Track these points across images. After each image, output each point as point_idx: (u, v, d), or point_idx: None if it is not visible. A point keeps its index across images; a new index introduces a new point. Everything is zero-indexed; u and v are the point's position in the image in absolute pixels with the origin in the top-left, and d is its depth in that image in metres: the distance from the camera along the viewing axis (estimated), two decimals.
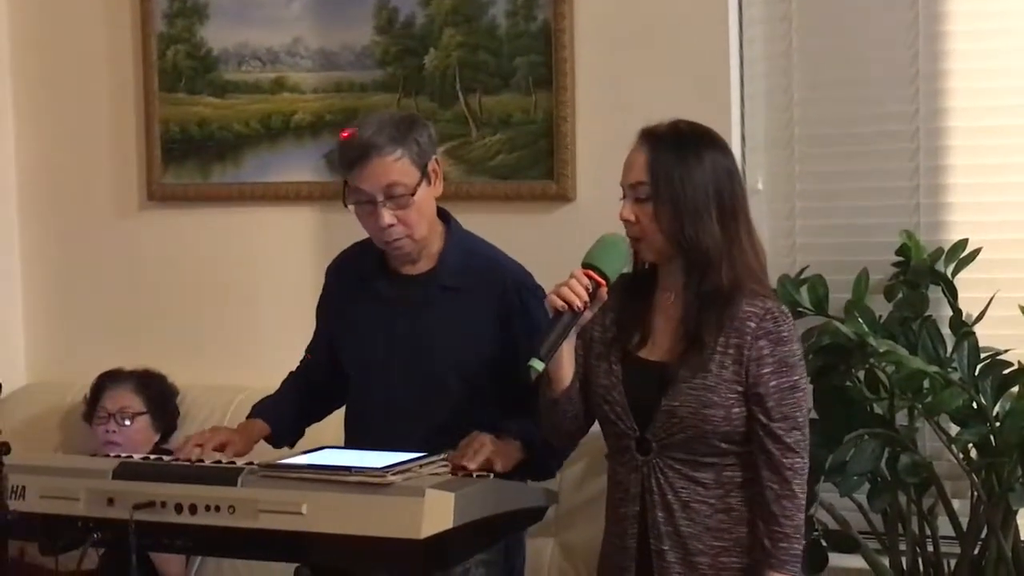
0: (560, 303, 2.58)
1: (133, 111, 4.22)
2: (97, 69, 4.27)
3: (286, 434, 3.06)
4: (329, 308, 3.08)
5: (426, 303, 2.91)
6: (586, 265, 2.61)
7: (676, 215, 2.57)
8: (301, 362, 3.17)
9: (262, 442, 3.06)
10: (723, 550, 2.58)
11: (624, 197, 2.63)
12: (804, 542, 2.60)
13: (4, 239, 4.34)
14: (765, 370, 2.55)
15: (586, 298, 2.58)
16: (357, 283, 2.99)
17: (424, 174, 2.86)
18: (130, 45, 4.22)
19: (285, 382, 3.15)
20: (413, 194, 2.83)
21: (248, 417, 3.07)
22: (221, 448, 2.89)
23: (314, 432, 3.14)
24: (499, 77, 3.84)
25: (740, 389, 2.56)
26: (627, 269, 2.68)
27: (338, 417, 3.11)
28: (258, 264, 4.14)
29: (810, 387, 2.63)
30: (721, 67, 3.66)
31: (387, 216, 2.84)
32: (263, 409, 3.07)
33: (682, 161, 2.57)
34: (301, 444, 3.08)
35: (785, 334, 2.57)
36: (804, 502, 2.58)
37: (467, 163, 3.88)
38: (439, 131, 3.84)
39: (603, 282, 2.60)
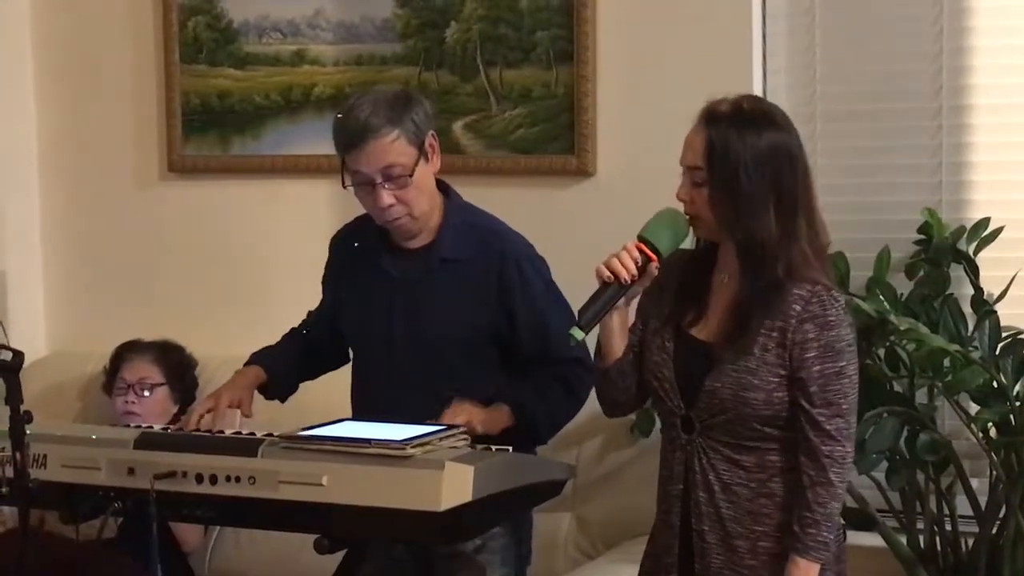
0: (607, 274, 2.54)
1: (154, 83, 4.23)
2: (118, 40, 4.27)
3: (282, 386, 3.09)
4: (332, 280, 3.11)
5: (426, 275, 2.92)
6: (640, 238, 2.57)
7: (732, 205, 2.49)
8: (303, 321, 3.19)
9: (278, 411, 3.08)
10: (763, 535, 2.53)
11: (683, 173, 2.56)
12: (836, 531, 2.54)
13: (25, 210, 4.35)
14: (809, 355, 2.48)
15: (634, 271, 2.53)
16: (359, 257, 3.01)
17: (421, 152, 2.86)
18: (151, 16, 4.21)
19: (286, 336, 3.18)
20: (411, 174, 2.83)
21: (246, 364, 3.09)
22: (232, 406, 2.92)
23: (321, 400, 3.15)
24: (520, 51, 3.83)
25: (783, 373, 2.49)
26: (685, 245, 2.62)
27: (343, 384, 3.11)
28: (277, 236, 4.14)
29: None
30: (743, 42, 3.64)
31: (386, 197, 2.84)
32: (262, 357, 3.10)
33: (741, 149, 2.47)
34: (310, 408, 3.09)
35: (832, 318, 2.48)
36: (841, 491, 2.52)
37: (487, 137, 3.88)
38: (459, 105, 3.88)
39: (655, 257, 2.55)
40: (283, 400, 3.13)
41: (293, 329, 3.20)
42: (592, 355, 2.70)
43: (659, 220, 2.59)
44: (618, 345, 2.61)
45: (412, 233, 2.93)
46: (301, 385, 3.17)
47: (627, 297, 2.58)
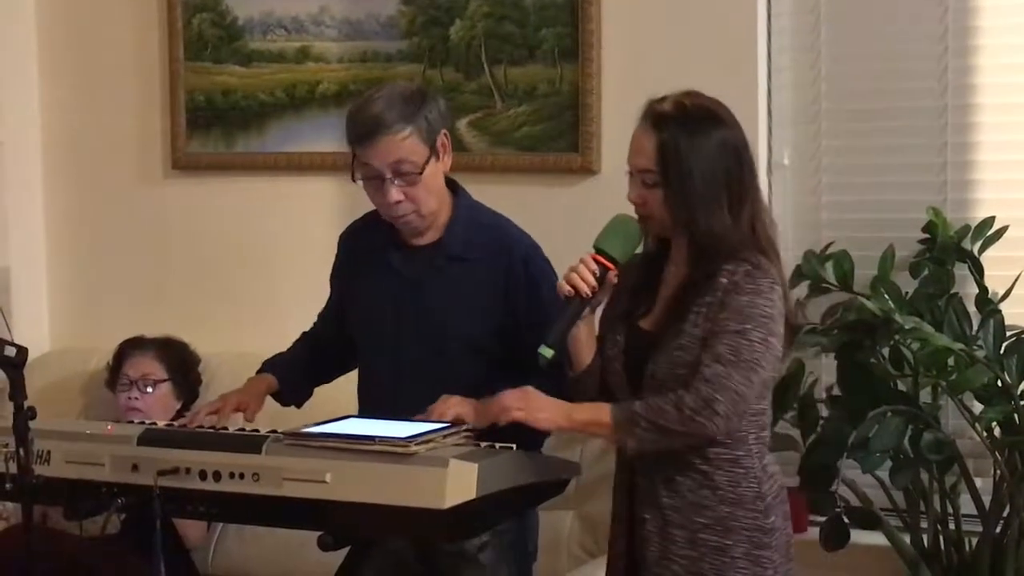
0: (568, 289, 2.58)
1: (158, 80, 4.23)
2: (123, 38, 4.27)
3: (294, 392, 3.08)
4: (340, 276, 3.10)
5: (433, 273, 2.91)
6: (596, 249, 2.61)
7: (687, 204, 2.53)
8: (314, 324, 3.19)
9: (281, 408, 3.09)
10: (704, 527, 2.54)
11: (631, 174, 2.60)
12: (648, 443, 2.50)
13: (29, 206, 4.35)
14: (721, 315, 2.50)
15: (593, 283, 2.58)
16: (367, 253, 3.00)
17: (433, 150, 2.85)
18: (156, 13, 4.22)
19: (297, 341, 3.17)
20: (421, 172, 2.83)
21: (258, 372, 3.09)
22: (238, 410, 2.93)
23: (327, 399, 3.14)
24: (525, 48, 3.83)
25: None
26: (640, 249, 2.65)
27: (350, 383, 3.11)
28: (281, 233, 4.14)
29: (772, 352, 2.49)
30: (748, 40, 3.64)
31: (395, 193, 2.84)
32: (273, 365, 3.09)
33: (692, 149, 2.52)
34: (316, 406, 3.09)
35: (750, 286, 2.50)
36: (683, 426, 2.46)
37: (492, 134, 3.87)
38: (464, 102, 3.87)
39: (612, 266, 2.59)
40: (299, 406, 3.10)
41: (304, 332, 3.18)
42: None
43: (612, 228, 2.63)
44: (586, 354, 2.66)
45: (419, 230, 2.92)
46: None
47: (591, 307, 2.62)
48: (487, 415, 2.62)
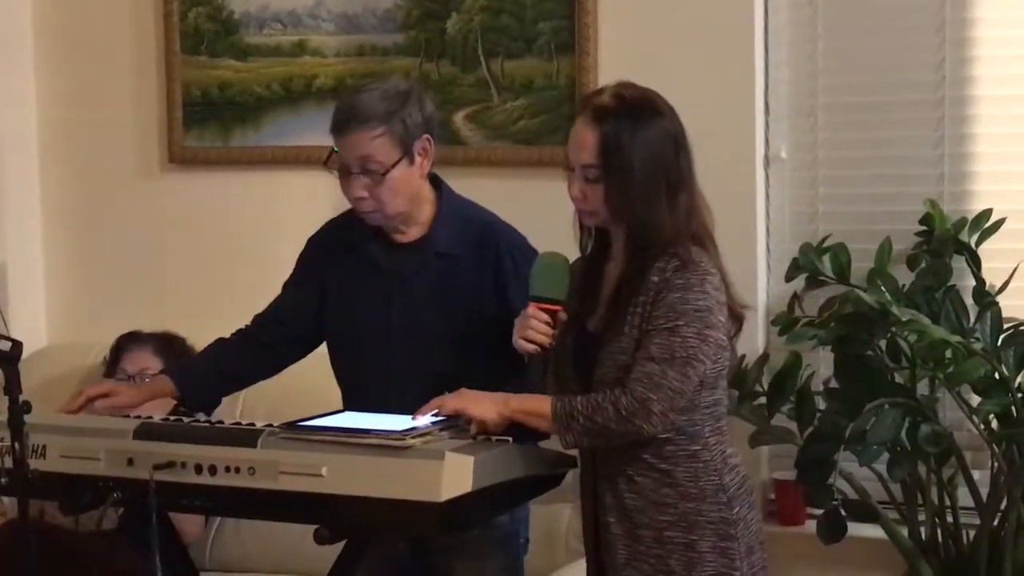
0: (531, 347, 2.60)
1: (155, 74, 4.22)
2: (119, 31, 4.27)
3: (195, 396, 3.06)
4: (312, 275, 3.06)
5: (420, 270, 2.91)
6: (534, 299, 2.63)
7: (627, 198, 2.54)
8: (249, 326, 3.15)
9: (278, 404, 3.08)
10: (669, 524, 2.55)
11: (571, 170, 2.59)
12: (586, 439, 2.53)
13: (26, 201, 4.35)
14: (656, 312, 2.51)
15: (550, 331, 2.61)
16: (347, 251, 2.99)
17: (407, 153, 2.84)
18: (152, 7, 4.21)
19: (212, 346, 3.15)
20: (386, 173, 2.82)
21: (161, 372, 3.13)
22: (103, 396, 2.95)
23: (321, 390, 3.13)
24: (522, 42, 3.83)
25: None
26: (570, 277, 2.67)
27: (328, 377, 3.09)
28: (278, 228, 4.13)
29: (709, 344, 2.50)
30: (745, 35, 3.64)
31: (358, 188, 2.85)
32: (175, 369, 3.11)
33: (632, 143, 2.52)
34: (312, 400, 3.08)
35: (680, 281, 2.50)
36: (618, 426, 2.48)
37: (488, 128, 3.87)
38: (460, 96, 3.87)
39: (557, 307, 2.62)
40: (208, 413, 3.11)
41: (221, 338, 3.15)
42: None
43: (541, 272, 2.67)
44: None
45: (389, 227, 2.92)
46: (300, 375, 3.15)
47: (553, 349, 2.64)
48: (427, 410, 2.62)
